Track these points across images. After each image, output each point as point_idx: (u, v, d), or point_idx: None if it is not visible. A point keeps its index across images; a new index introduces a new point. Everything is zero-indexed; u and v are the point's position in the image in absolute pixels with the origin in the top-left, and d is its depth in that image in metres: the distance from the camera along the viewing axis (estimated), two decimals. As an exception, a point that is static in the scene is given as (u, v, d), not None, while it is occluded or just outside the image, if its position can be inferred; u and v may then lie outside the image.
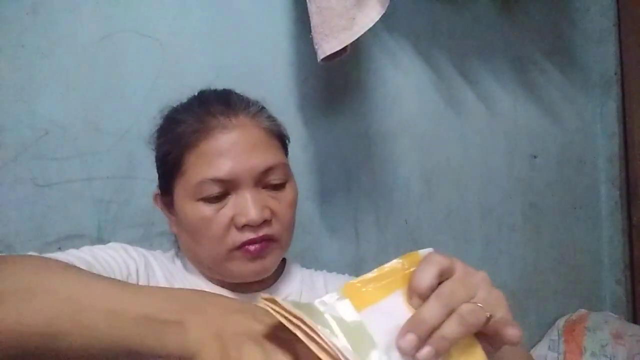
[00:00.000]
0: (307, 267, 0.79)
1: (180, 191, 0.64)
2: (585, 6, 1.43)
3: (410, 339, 0.36)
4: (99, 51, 0.93)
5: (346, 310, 0.38)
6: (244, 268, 0.63)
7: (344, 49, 0.90)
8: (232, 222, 0.62)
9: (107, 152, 0.93)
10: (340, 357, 0.35)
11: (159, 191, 0.70)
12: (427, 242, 1.16)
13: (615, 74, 1.43)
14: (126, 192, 0.94)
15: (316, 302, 0.38)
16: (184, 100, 0.71)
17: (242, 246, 0.62)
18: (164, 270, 0.67)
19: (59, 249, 0.90)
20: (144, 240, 0.95)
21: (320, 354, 0.35)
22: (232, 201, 0.62)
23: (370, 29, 0.90)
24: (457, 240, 1.24)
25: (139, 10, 0.95)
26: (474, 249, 1.25)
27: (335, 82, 1.11)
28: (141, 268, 0.64)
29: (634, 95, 1.42)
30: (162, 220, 0.96)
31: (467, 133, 1.26)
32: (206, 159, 0.62)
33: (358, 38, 0.89)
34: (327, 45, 0.88)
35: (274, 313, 0.37)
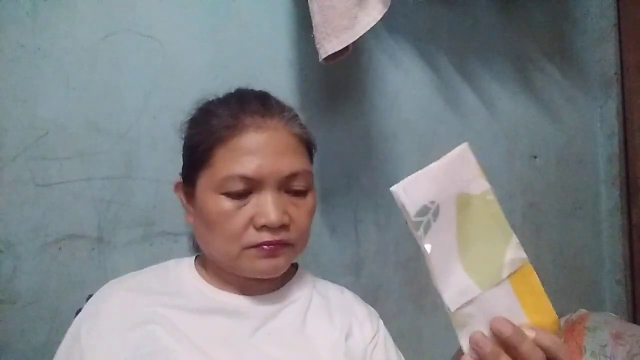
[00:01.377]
0: (308, 268, 0.78)
1: (205, 183, 0.64)
2: (585, 6, 1.43)
3: (506, 326, 0.46)
4: (99, 51, 0.93)
5: (501, 281, 0.49)
6: (255, 265, 0.64)
7: (346, 48, 0.90)
8: (251, 222, 0.63)
9: (107, 152, 0.93)
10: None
11: (181, 180, 0.70)
12: (427, 242, 1.16)
13: (615, 74, 1.43)
14: (126, 192, 0.94)
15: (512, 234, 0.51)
16: (221, 95, 0.71)
17: (257, 246, 0.63)
18: (156, 286, 0.68)
19: (59, 249, 0.90)
20: (144, 241, 0.95)
21: None
22: (253, 200, 0.63)
23: (370, 29, 0.90)
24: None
25: (139, 10, 0.95)
26: (474, 249, 1.25)
27: (336, 82, 1.11)
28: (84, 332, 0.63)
29: (634, 95, 1.42)
30: (162, 220, 0.97)
31: (467, 133, 1.25)
32: (235, 155, 0.62)
33: (359, 38, 0.89)
34: (329, 44, 0.88)
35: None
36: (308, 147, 0.70)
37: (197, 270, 0.70)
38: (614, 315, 1.34)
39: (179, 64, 0.98)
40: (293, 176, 0.64)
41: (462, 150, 0.51)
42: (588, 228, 1.43)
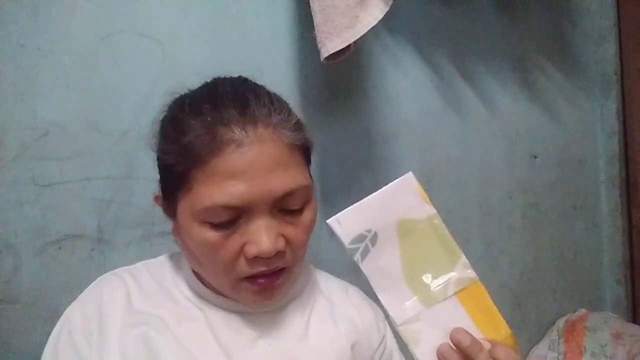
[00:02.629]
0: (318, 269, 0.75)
1: (185, 207, 0.56)
2: (585, 6, 1.43)
3: (465, 337, 0.50)
4: (99, 51, 0.93)
5: (447, 294, 0.53)
6: (250, 299, 0.59)
7: (347, 47, 0.90)
8: (241, 251, 0.55)
9: (107, 152, 0.93)
10: None
11: (160, 193, 0.62)
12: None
13: (615, 74, 1.43)
14: (126, 192, 0.94)
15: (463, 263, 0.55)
16: (193, 88, 0.63)
17: (251, 277, 0.56)
18: (152, 286, 0.63)
19: (59, 249, 0.90)
20: (144, 241, 0.95)
21: None
22: (242, 227, 0.54)
23: (371, 29, 0.90)
24: (457, 240, 1.23)
25: (139, 10, 0.95)
26: (474, 249, 1.25)
27: (336, 82, 1.11)
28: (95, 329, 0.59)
29: (634, 95, 1.42)
30: (162, 220, 0.96)
31: (467, 133, 1.25)
32: (216, 180, 0.53)
33: (359, 38, 0.89)
34: (331, 44, 0.88)
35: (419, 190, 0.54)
36: (304, 153, 0.60)
37: (193, 272, 0.64)
38: (614, 315, 1.34)
39: (179, 64, 0.98)
40: (287, 196, 0.55)
41: (405, 179, 0.54)
42: (588, 228, 1.43)
